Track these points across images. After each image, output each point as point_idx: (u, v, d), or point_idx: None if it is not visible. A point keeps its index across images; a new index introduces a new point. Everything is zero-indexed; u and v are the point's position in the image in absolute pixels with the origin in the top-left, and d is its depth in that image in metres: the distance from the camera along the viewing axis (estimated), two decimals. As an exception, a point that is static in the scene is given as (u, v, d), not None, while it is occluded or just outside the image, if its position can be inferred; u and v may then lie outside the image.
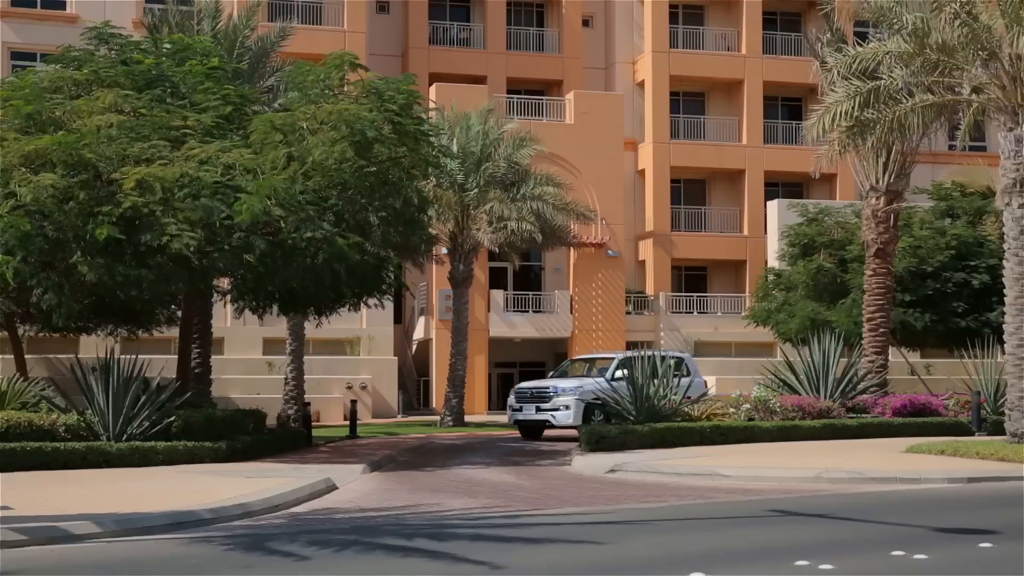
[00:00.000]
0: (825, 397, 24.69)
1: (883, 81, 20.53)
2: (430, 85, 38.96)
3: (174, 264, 16.93)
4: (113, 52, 19.91)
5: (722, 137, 46.29)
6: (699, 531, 12.03)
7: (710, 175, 46.67)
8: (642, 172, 45.59)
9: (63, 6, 39.21)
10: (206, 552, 10.25)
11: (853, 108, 20.19)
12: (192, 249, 16.39)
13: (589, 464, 19.03)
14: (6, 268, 15.23)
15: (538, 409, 25.31)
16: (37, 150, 16.09)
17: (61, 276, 16.68)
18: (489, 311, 39.40)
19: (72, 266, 16.39)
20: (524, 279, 42.28)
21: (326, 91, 19.24)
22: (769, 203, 42.98)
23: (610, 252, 40.98)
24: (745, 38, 46.16)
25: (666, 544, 11.06)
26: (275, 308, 22.37)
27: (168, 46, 20.71)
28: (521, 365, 41.89)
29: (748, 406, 23.64)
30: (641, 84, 45.95)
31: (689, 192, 46.75)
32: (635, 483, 16.79)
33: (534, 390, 26.05)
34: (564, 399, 24.94)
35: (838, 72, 22.00)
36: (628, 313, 42.05)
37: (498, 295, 40.05)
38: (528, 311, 40.61)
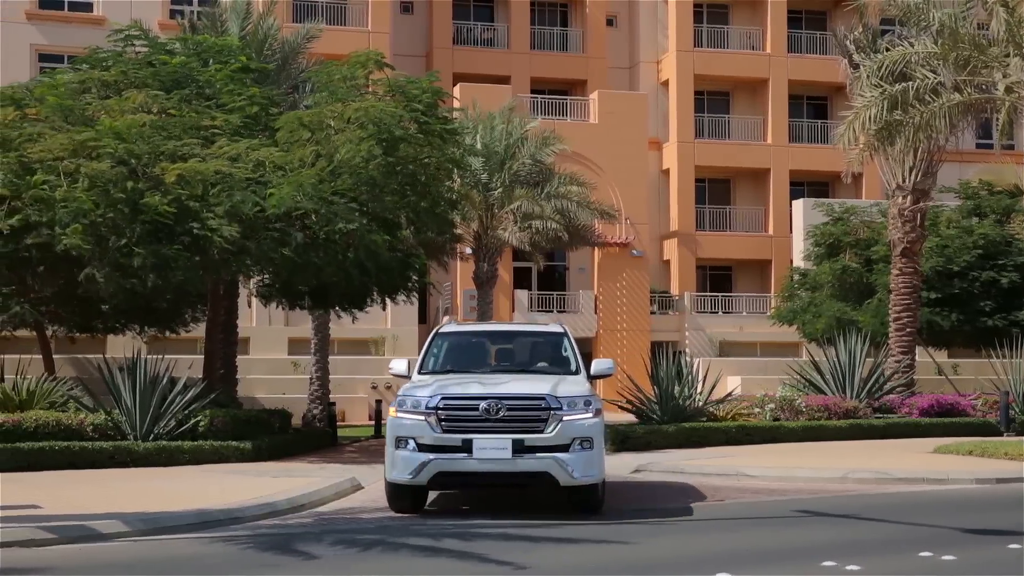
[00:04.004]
0: (851, 397, 24.56)
1: (911, 82, 20.41)
2: (454, 85, 38.98)
3: (215, 254, 17.09)
4: (140, 53, 20.04)
5: (747, 136, 46.12)
6: (724, 531, 11.99)
7: (735, 174, 46.50)
8: (666, 172, 45.48)
9: (90, 8, 39.46)
10: (232, 552, 10.30)
11: (882, 111, 20.09)
12: (231, 240, 16.52)
13: (614, 464, 18.94)
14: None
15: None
16: (81, 141, 16.26)
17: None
18: (513, 311, 39.40)
19: (119, 249, 16.53)
20: (548, 279, 42.24)
21: (352, 90, 19.30)
22: (794, 202, 42.79)
23: (634, 252, 40.90)
24: (770, 37, 45.96)
25: (691, 544, 11.03)
26: (303, 304, 22.44)
27: (195, 47, 20.82)
28: (545, 365, 41.90)
29: (773, 406, 23.55)
30: (665, 83, 45.83)
31: (714, 191, 46.59)
32: (660, 483, 16.75)
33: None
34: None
35: (867, 74, 21.88)
36: (653, 313, 41.95)
37: (522, 295, 40.03)
38: (552, 311, 40.56)
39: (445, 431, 11.92)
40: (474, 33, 45.37)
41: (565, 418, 11.99)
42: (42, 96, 18.05)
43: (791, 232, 42.72)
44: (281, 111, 20.13)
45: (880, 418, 24.32)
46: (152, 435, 18.22)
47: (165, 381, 18.83)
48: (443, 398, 12.04)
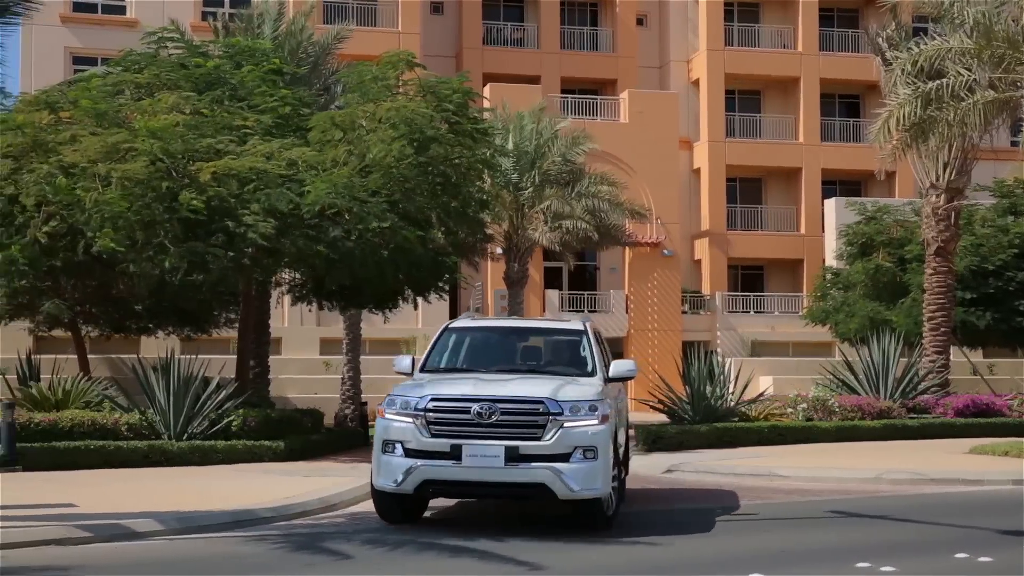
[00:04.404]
0: (885, 397, 24.40)
1: (945, 79, 20.25)
2: (484, 85, 39.00)
3: (250, 251, 17.20)
4: (173, 55, 20.18)
5: (778, 135, 45.90)
6: (757, 532, 11.94)
7: (766, 174, 46.28)
8: (697, 171, 45.34)
9: (123, 11, 39.79)
10: (265, 551, 10.35)
11: (916, 108, 19.95)
12: (267, 237, 16.61)
13: (646, 464, 18.94)
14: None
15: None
16: (114, 143, 16.40)
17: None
18: (544, 311, 39.37)
19: (154, 248, 16.68)
20: (579, 279, 42.20)
21: (383, 90, 19.37)
22: (826, 201, 42.53)
23: (665, 251, 40.79)
24: (801, 35, 45.71)
25: (723, 544, 10.99)
26: (335, 304, 22.50)
27: (228, 49, 20.94)
28: (576, 365, 41.81)
29: (806, 406, 23.43)
30: (696, 83, 45.68)
31: (745, 191, 46.39)
32: (692, 483, 16.71)
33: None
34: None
35: (900, 72, 21.71)
36: (684, 313, 41.81)
37: (553, 295, 40.00)
38: (583, 310, 40.48)
39: (433, 435, 10.93)
40: (504, 33, 45.39)
41: (566, 424, 10.86)
42: (76, 99, 18.21)
43: (823, 231, 42.46)
44: (313, 112, 20.20)
45: (914, 418, 24.14)
46: (186, 435, 18.34)
47: (198, 381, 18.94)
48: (432, 399, 11.06)
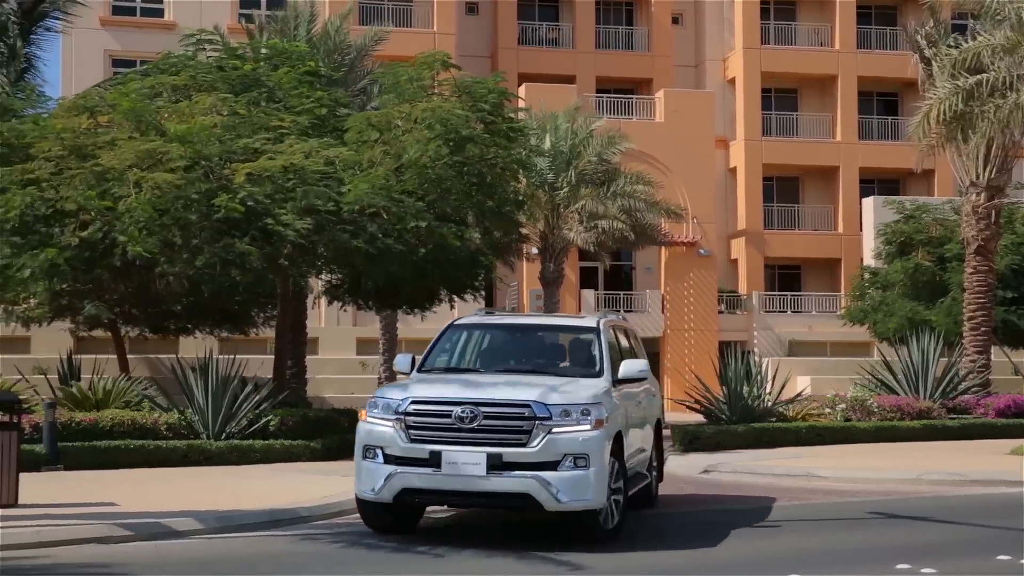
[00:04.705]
0: (925, 397, 24.17)
1: (986, 75, 20.05)
2: (519, 85, 38.99)
3: (287, 250, 17.30)
4: (211, 57, 20.34)
5: (815, 134, 45.61)
6: (795, 532, 11.87)
7: (803, 172, 46.00)
8: (733, 170, 45.13)
9: (160, 13, 40.13)
10: (303, 549, 10.40)
11: (956, 103, 19.77)
12: (304, 235, 16.70)
13: (683, 464, 18.88)
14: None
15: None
16: (149, 150, 16.55)
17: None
18: (580, 311, 39.31)
19: (190, 250, 16.82)
20: (615, 279, 42.10)
21: (419, 90, 19.43)
22: (864, 200, 42.20)
23: (702, 251, 40.63)
24: (839, 33, 45.40)
25: (760, 545, 10.93)
26: (371, 303, 22.56)
27: (265, 51, 21.07)
28: (612, 365, 41.71)
29: (844, 406, 23.26)
30: (732, 81, 45.47)
31: (782, 190, 46.12)
32: (730, 483, 16.63)
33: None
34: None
35: (939, 68, 21.54)
36: (720, 312, 41.63)
37: (589, 295, 39.94)
38: (619, 311, 40.38)
39: (413, 440, 10.21)
40: (539, 33, 45.37)
41: (555, 430, 10.02)
42: (115, 103, 18.38)
43: (861, 230, 42.14)
44: (349, 113, 20.29)
45: (955, 419, 23.90)
46: (224, 434, 18.46)
47: (236, 381, 19.06)
48: (412, 402, 10.33)
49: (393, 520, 10.97)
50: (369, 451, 10.47)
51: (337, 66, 26.22)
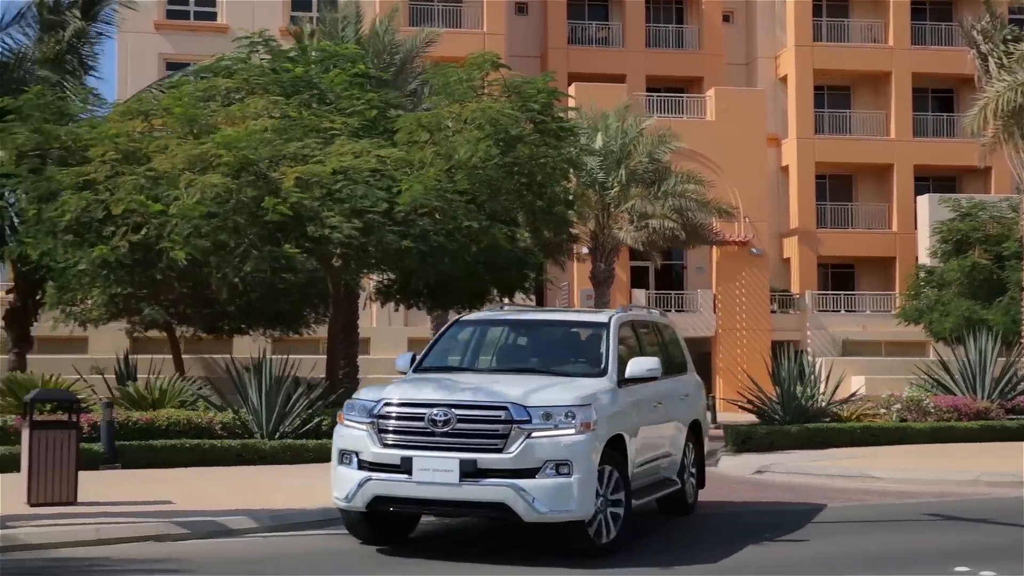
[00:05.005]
0: (982, 398, 23.82)
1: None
2: (569, 85, 38.96)
3: (336, 254, 17.42)
4: (264, 61, 20.51)
5: (869, 131, 45.15)
6: (850, 534, 11.76)
7: (856, 170, 45.55)
8: (785, 168, 44.79)
9: (214, 17, 40.57)
10: (355, 549, 10.46)
11: (1015, 98, 19.47)
12: (351, 238, 16.80)
13: (735, 464, 18.77)
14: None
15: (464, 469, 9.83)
16: (199, 154, 16.73)
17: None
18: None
19: (238, 254, 17.00)
20: (666, 278, 41.93)
21: (469, 91, 19.47)
22: (919, 198, 41.69)
23: (754, 250, 40.36)
24: (892, 29, 44.91)
25: (814, 548, 10.84)
26: (422, 303, 22.64)
27: (316, 53, 21.22)
28: (663, 365, 41.49)
29: (900, 407, 22.99)
30: (784, 79, 45.13)
31: (835, 188, 45.71)
32: (783, 484, 16.50)
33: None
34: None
35: (996, 63, 21.23)
36: (773, 312, 41.32)
37: (640, 294, 39.78)
38: (671, 310, 40.13)
39: (385, 445, 9.66)
40: (589, 32, 45.31)
41: (535, 434, 9.32)
42: (168, 107, 18.59)
43: (916, 229, 41.65)
44: (399, 114, 20.38)
45: (1013, 419, 23.52)
46: (278, 433, 18.60)
47: (289, 381, 19.18)
48: (386, 404, 9.79)
49: (371, 529, 10.36)
50: (345, 456, 9.94)
51: (386, 67, 26.33)
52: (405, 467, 9.52)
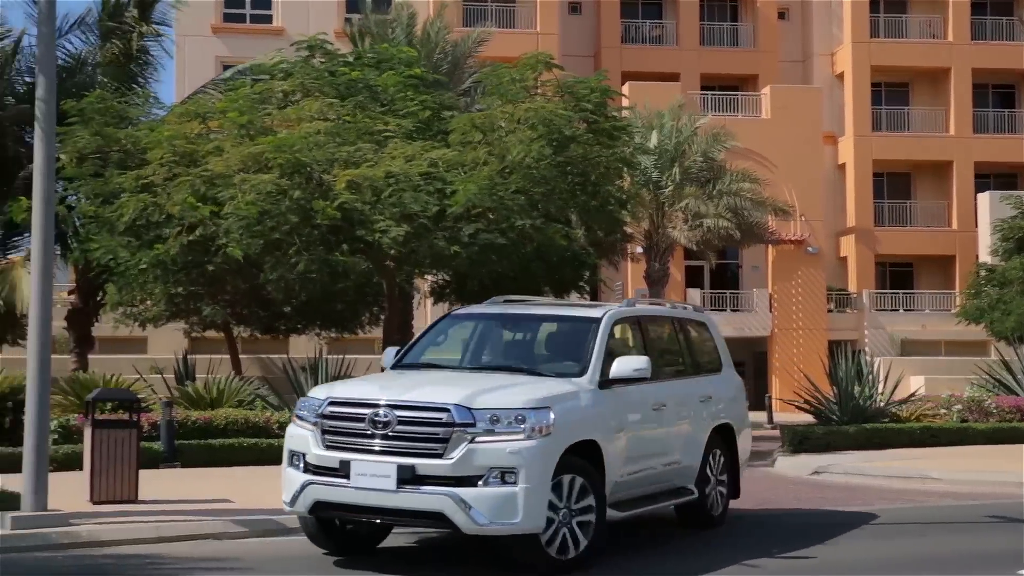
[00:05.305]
0: (1045, 398, 23.43)
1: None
2: (622, 84, 38.85)
3: (388, 256, 17.52)
4: (321, 63, 20.68)
5: (928, 128, 44.55)
6: (909, 536, 11.62)
7: (915, 168, 44.97)
8: (842, 166, 44.33)
9: (269, 19, 40.99)
10: (411, 549, 10.50)
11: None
12: (400, 242, 16.88)
13: (792, 464, 18.61)
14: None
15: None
16: (254, 154, 16.91)
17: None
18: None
19: (290, 255, 17.18)
20: (721, 277, 41.68)
21: (522, 91, 19.49)
22: (980, 195, 41.08)
23: (810, 249, 39.99)
24: (952, 24, 44.28)
25: (873, 549, 10.72)
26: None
27: (371, 55, 21.33)
28: (718, 365, 41.22)
29: (960, 407, 22.66)
30: (840, 76, 44.67)
31: (893, 186, 45.16)
32: (840, 485, 16.35)
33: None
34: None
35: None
36: (830, 311, 40.91)
37: (695, 294, 39.58)
38: (726, 310, 39.97)
39: (327, 447, 9.09)
40: (642, 31, 45.15)
41: (478, 439, 8.59)
42: (224, 109, 18.81)
43: (976, 226, 41.06)
44: (453, 115, 20.45)
45: (1077, 420, 23.11)
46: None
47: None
48: (330, 403, 9.22)
49: (327, 536, 9.80)
50: (294, 457, 9.40)
51: (438, 65, 26.42)
52: (344, 471, 8.93)
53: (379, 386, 9.38)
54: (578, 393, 9.41)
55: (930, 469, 17.05)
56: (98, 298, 23.34)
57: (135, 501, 12.36)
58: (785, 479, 17.24)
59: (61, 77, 19.78)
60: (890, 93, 45.20)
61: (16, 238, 22.43)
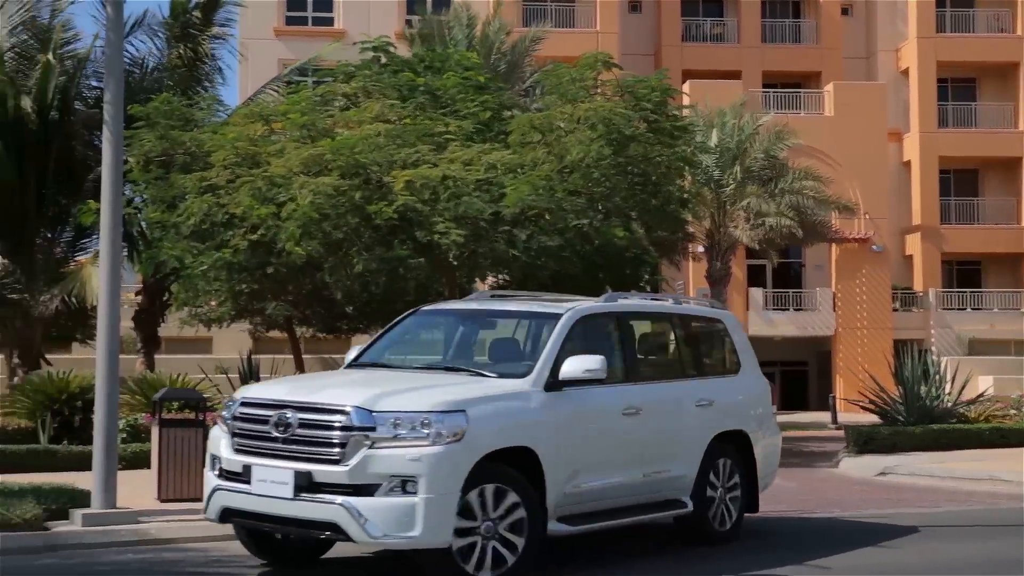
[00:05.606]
0: (1118, 398, 22.96)
1: None
2: (683, 82, 38.68)
3: (449, 257, 17.62)
4: (384, 66, 20.82)
5: (996, 124, 43.80)
6: (978, 538, 11.44)
7: (982, 164, 44.25)
8: (907, 163, 43.74)
9: (331, 22, 41.37)
10: (363, 558, 10.45)
11: None
12: (459, 244, 16.95)
13: (857, 465, 18.41)
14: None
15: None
16: (314, 156, 17.08)
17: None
18: (748, 309, 38.69)
19: (350, 255, 17.35)
20: (783, 276, 41.33)
21: (581, 91, 19.48)
22: (1050, 192, 40.39)
23: (874, 247, 39.50)
24: (1020, 18, 43.51)
25: (942, 551, 10.58)
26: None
27: (438, 60, 21.42)
28: (782, 364, 40.89)
29: (1030, 408, 22.29)
30: (905, 72, 44.09)
31: (959, 183, 44.47)
32: (907, 486, 16.14)
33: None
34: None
35: None
36: (895, 310, 40.39)
37: (757, 293, 39.31)
38: (788, 309, 39.65)
39: (236, 450, 8.63)
40: (703, 29, 44.90)
41: (379, 445, 7.99)
42: (286, 111, 19.00)
43: (1047, 223, 40.36)
44: (513, 115, 20.47)
45: None
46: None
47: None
48: (242, 404, 8.76)
49: (256, 544, 9.31)
50: (214, 460, 8.89)
51: (495, 65, 26.47)
52: (246, 476, 8.46)
53: (291, 386, 9.01)
54: (513, 395, 8.70)
55: (1000, 471, 16.75)
56: (164, 298, 23.70)
57: (201, 499, 12.50)
58: (850, 480, 17.05)
59: (127, 81, 20.10)
60: (956, 88, 44.52)
61: (85, 240, 22.90)
